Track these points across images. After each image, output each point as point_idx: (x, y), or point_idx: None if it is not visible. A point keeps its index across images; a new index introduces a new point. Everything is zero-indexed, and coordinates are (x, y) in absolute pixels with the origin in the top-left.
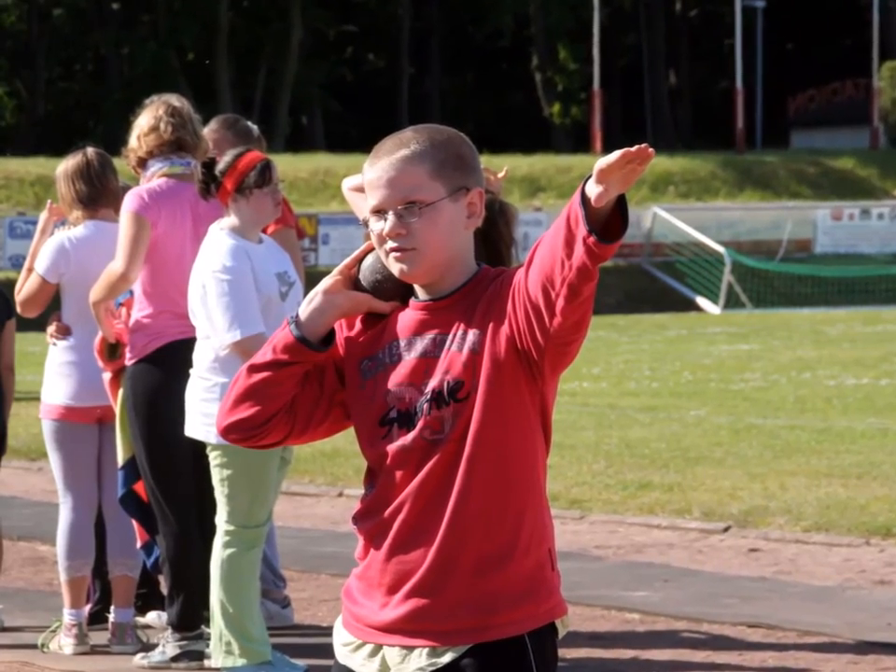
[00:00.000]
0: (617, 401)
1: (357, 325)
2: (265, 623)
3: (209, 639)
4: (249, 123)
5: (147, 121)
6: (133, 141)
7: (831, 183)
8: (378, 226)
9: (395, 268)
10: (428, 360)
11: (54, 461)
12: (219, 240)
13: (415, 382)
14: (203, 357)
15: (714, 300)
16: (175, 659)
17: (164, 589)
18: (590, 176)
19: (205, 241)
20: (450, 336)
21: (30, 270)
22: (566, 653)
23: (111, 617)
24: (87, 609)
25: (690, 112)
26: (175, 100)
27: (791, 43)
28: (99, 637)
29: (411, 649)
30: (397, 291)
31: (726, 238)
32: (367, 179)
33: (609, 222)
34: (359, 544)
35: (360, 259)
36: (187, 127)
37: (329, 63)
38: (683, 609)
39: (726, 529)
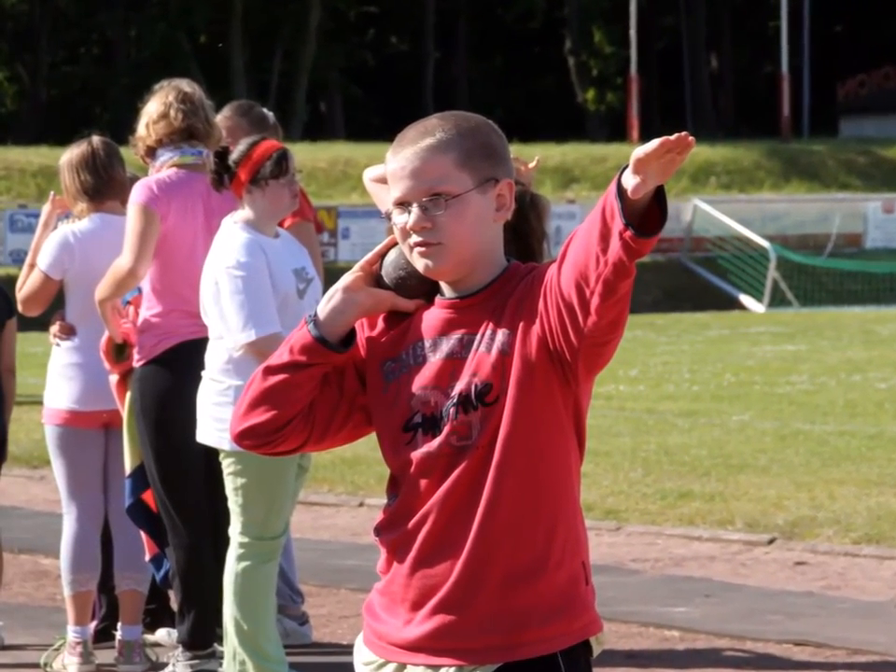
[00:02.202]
0: (655, 405)
1: (380, 324)
2: (282, 641)
3: (222, 658)
4: (265, 110)
5: (156, 108)
6: (141, 129)
7: (882, 173)
8: (402, 219)
9: (419, 263)
10: (455, 362)
11: (58, 469)
12: (233, 234)
13: (441, 385)
14: (215, 359)
15: (758, 297)
16: None
17: (175, 605)
18: (626, 167)
19: (218, 235)
20: (478, 336)
21: (32, 266)
22: None
23: (118, 634)
24: (92, 625)
25: (732, 98)
26: (185, 85)
27: (840, 25)
28: (105, 656)
29: (436, 668)
30: (421, 288)
31: (771, 232)
32: (390, 170)
33: (646, 215)
34: (382, 557)
35: (383, 255)
36: (198, 114)
37: (350, 45)
38: (725, 625)
39: (771, 541)
